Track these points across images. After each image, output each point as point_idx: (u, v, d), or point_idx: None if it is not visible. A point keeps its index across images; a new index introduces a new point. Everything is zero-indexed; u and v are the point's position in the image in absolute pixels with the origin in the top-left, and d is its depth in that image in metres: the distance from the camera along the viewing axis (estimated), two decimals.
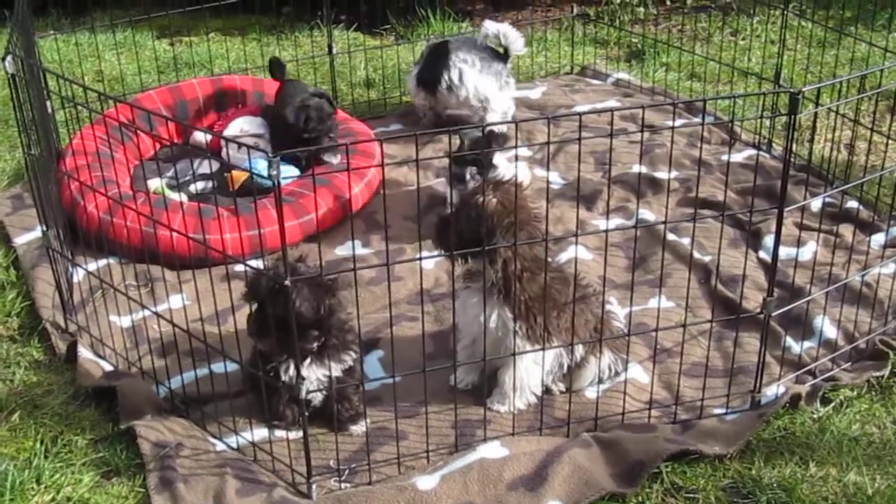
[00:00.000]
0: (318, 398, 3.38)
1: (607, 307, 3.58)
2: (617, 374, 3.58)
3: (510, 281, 3.31)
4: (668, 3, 7.61)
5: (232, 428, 3.42)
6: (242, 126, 5.20)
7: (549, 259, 3.40)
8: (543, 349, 3.32)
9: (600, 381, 3.58)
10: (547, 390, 3.57)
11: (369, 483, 3.22)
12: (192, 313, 3.98)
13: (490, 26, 5.52)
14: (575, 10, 6.84)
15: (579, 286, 3.47)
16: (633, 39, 6.91)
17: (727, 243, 4.46)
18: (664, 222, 3.43)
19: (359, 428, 3.44)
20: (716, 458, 3.26)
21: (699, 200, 4.72)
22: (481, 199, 3.25)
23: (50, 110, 4.38)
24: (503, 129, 4.96)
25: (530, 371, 3.46)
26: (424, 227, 4.55)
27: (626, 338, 3.55)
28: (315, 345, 3.28)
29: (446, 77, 5.35)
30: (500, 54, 5.56)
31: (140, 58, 6.53)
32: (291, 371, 3.25)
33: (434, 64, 5.42)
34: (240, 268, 4.27)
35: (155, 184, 4.74)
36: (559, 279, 3.40)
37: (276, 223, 4.31)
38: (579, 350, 3.47)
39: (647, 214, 4.78)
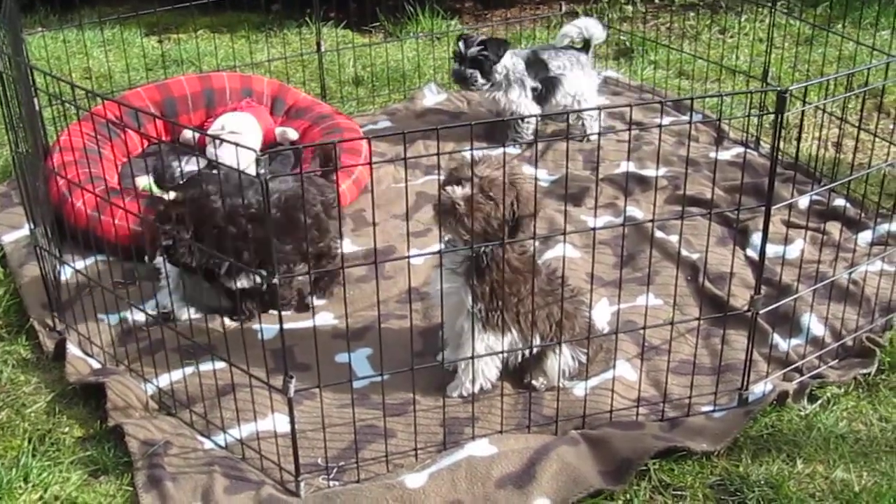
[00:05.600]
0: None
1: (581, 306, 3.58)
2: (581, 364, 3.58)
3: (483, 265, 3.33)
4: (657, 0, 7.62)
5: (220, 426, 3.42)
6: (224, 123, 5.19)
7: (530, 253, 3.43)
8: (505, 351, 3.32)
9: (587, 376, 3.59)
10: (529, 386, 3.58)
11: (357, 481, 3.22)
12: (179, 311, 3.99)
13: (569, 28, 5.60)
14: (563, 8, 6.84)
15: (552, 281, 3.47)
16: (622, 37, 6.92)
17: (715, 241, 4.48)
18: (652, 220, 3.44)
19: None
20: (703, 455, 3.27)
21: (687, 198, 4.73)
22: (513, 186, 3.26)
23: (37, 107, 4.36)
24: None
25: (483, 358, 3.46)
26: (416, 220, 4.56)
27: (615, 335, 3.56)
28: None
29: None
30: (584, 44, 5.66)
31: (128, 55, 6.51)
32: None
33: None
34: None
35: (143, 182, 4.73)
36: (529, 270, 3.41)
37: None
38: (537, 342, 3.48)
39: (636, 212, 4.79)
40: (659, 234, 4.49)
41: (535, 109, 5.42)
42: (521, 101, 5.38)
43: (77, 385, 3.65)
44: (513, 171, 3.32)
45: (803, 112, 3.79)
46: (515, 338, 3.46)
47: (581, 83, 5.51)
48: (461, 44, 5.29)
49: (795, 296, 3.76)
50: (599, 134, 3.13)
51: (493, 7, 7.65)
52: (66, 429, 3.50)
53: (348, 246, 4.55)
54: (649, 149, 5.31)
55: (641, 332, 3.70)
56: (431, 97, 6.11)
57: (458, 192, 3.22)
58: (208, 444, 3.39)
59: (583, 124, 5.55)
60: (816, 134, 5.23)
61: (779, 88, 3.02)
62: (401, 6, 7.17)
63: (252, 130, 5.20)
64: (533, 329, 3.42)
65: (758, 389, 3.52)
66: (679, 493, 3.16)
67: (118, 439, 3.39)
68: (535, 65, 5.45)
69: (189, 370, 3.66)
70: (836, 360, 3.73)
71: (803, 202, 4.69)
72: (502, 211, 3.22)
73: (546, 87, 5.45)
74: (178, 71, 6.39)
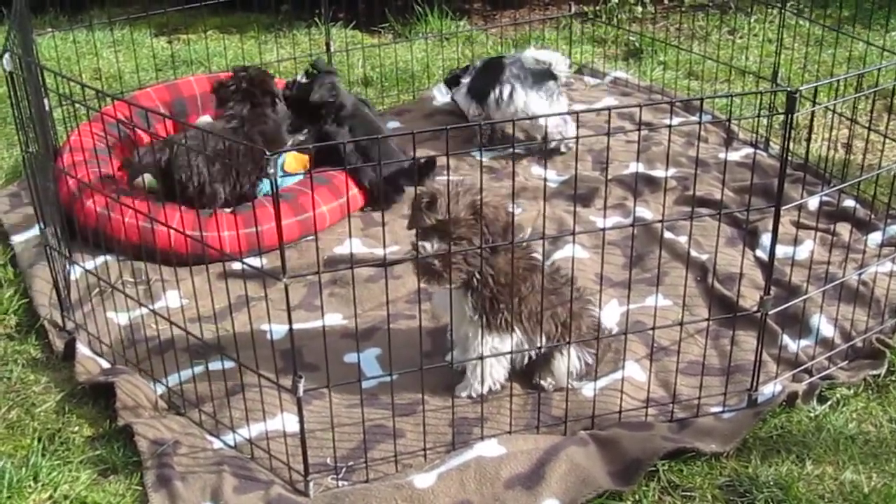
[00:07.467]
0: None
1: (588, 306, 3.58)
2: (587, 364, 3.58)
3: (475, 276, 3.35)
4: (666, 1, 7.62)
5: (229, 425, 3.43)
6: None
7: (524, 250, 3.45)
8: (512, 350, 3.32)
9: (596, 376, 3.59)
10: (537, 387, 3.58)
11: (366, 481, 3.22)
12: (189, 311, 4.00)
13: (529, 54, 5.43)
14: (573, 9, 6.84)
15: (554, 279, 3.47)
16: (631, 38, 6.91)
17: (724, 242, 4.46)
18: (661, 221, 3.43)
19: None
20: (712, 456, 3.27)
21: (696, 199, 4.72)
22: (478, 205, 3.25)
23: (47, 108, 4.37)
24: None
25: (490, 359, 3.47)
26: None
27: (624, 335, 3.56)
28: None
29: (497, 91, 5.32)
30: (552, 73, 5.43)
31: (138, 55, 6.53)
32: None
33: (486, 78, 5.41)
34: (237, 266, 4.28)
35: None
36: (527, 267, 3.41)
37: (273, 220, 4.34)
38: (543, 341, 3.48)
39: (645, 213, 4.79)
40: (668, 234, 4.48)
41: (546, 108, 5.40)
42: (532, 100, 5.35)
43: (86, 384, 3.66)
44: (476, 195, 3.27)
45: (813, 113, 3.78)
46: (520, 338, 3.46)
47: (530, 101, 5.31)
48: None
49: (805, 297, 3.76)
50: (608, 134, 3.11)
51: (501, 8, 7.65)
52: (76, 428, 3.51)
53: (357, 246, 4.56)
54: (658, 149, 5.30)
55: (650, 332, 3.70)
56: (440, 98, 6.11)
57: (431, 248, 3.25)
58: (217, 444, 3.40)
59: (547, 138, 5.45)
60: (826, 135, 5.22)
61: (789, 89, 3.01)
62: (409, 7, 7.18)
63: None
64: (538, 329, 3.42)
65: (767, 390, 3.51)
66: (688, 493, 3.16)
67: (127, 439, 3.40)
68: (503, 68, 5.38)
69: (198, 370, 3.67)
70: (846, 362, 3.72)
71: (813, 203, 4.68)
72: (481, 237, 3.23)
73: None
74: (187, 71, 6.41)
